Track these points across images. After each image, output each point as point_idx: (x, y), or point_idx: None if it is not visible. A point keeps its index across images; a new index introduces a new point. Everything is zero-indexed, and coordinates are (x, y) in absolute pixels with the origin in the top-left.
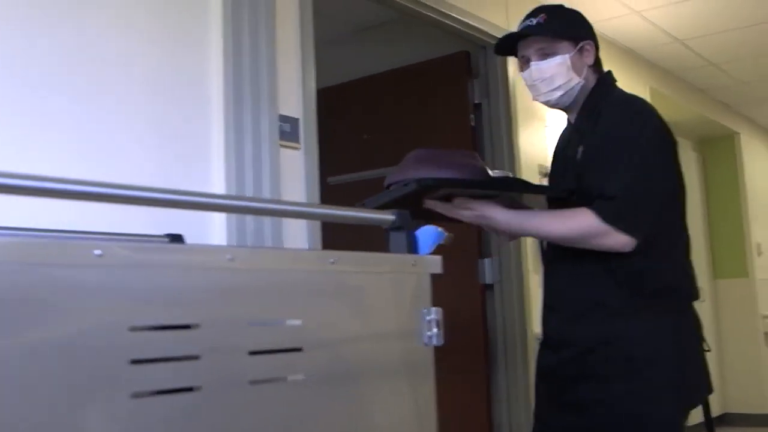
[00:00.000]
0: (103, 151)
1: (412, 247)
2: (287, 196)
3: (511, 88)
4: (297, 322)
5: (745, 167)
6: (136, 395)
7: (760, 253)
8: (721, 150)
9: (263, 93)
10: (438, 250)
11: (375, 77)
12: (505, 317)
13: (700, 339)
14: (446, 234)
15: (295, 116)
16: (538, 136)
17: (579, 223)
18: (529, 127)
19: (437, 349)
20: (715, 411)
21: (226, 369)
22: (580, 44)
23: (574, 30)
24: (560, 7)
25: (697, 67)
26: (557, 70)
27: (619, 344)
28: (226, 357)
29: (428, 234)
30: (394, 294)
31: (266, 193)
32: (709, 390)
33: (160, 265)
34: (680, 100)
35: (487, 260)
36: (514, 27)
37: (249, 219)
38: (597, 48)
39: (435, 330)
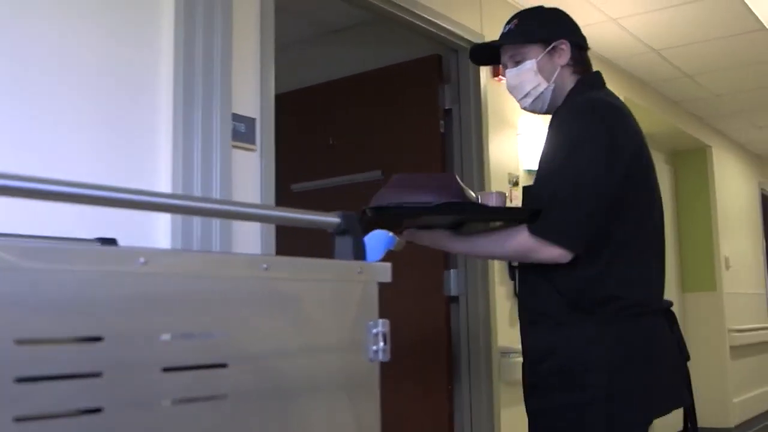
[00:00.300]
0: (43, 152)
1: (360, 253)
2: (240, 200)
3: (482, 93)
4: (222, 334)
5: (716, 180)
6: (21, 419)
7: (728, 267)
8: (692, 163)
9: (215, 90)
10: (402, 261)
11: (343, 80)
12: (470, 330)
13: (656, 348)
14: (397, 239)
15: (252, 116)
16: (509, 143)
17: (514, 241)
18: (499, 134)
19: (398, 363)
20: (679, 425)
21: (134, 388)
22: (552, 45)
23: (544, 31)
24: (535, 9)
25: (671, 78)
26: (525, 76)
27: (562, 354)
28: (134, 374)
29: (378, 239)
30: (336, 304)
31: (216, 196)
32: (678, 401)
33: (52, 270)
34: (655, 111)
35: (452, 271)
36: (487, 30)
37: (197, 222)
38: (579, 46)
39: (381, 344)
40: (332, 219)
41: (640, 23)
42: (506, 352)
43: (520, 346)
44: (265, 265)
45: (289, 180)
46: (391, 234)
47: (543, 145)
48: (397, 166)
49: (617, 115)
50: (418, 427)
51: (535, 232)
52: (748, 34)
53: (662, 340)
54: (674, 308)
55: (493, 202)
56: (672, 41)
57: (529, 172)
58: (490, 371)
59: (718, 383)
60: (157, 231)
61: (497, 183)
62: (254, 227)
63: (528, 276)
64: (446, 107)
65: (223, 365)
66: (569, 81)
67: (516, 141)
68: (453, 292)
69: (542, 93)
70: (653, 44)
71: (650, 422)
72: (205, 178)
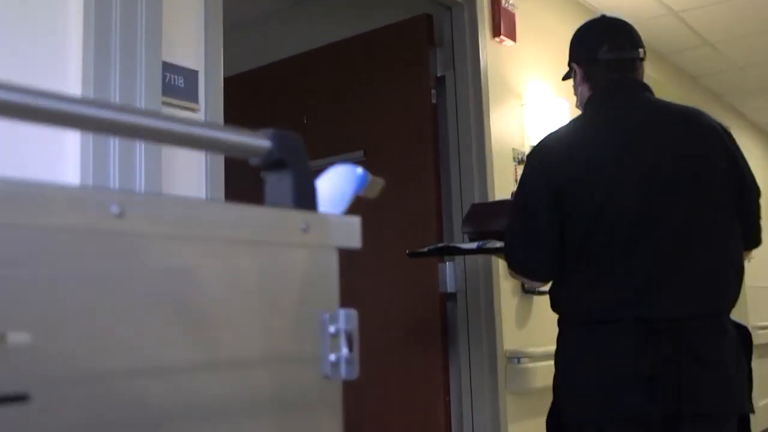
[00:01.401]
0: None
1: (306, 199)
2: (178, 174)
3: (481, 57)
4: (21, 338)
5: None
6: None
7: (749, 259)
8: None
9: (138, 33)
10: (386, 251)
11: (317, 51)
12: (470, 332)
13: (618, 355)
14: (372, 177)
15: (193, 68)
16: (513, 115)
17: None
18: (502, 104)
19: (384, 373)
20: None
21: None
22: (572, 69)
23: (570, 57)
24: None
25: (690, 47)
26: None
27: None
28: None
29: (341, 178)
30: (262, 285)
31: (139, 184)
32: (646, 408)
33: None
34: (668, 87)
35: (448, 265)
36: None
37: (112, 153)
38: (593, 60)
39: (344, 351)
40: (257, 142)
41: None
42: (514, 357)
43: (530, 350)
44: (116, 208)
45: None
46: (361, 168)
47: None
48: (382, 145)
49: (542, 155)
50: None
51: (508, 263)
52: None
53: (621, 346)
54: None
55: None
56: (693, 1)
57: None
58: (494, 380)
59: None
60: (65, 162)
61: (500, 161)
62: (195, 157)
63: None
64: (438, 74)
65: (22, 398)
66: (587, 96)
67: (521, 112)
68: (449, 289)
69: (579, 107)
70: (673, 4)
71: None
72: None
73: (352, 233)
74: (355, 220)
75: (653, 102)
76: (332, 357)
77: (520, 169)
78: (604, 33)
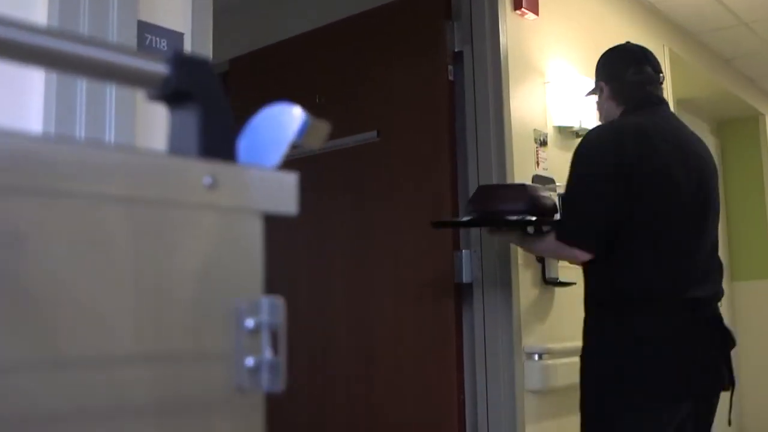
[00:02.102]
0: None
1: (216, 144)
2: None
3: (501, 32)
4: None
5: None
6: None
7: None
8: (742, 134)
9: None
10: (394, 235)
11: (330, 27)
12: (486, 326)
13: (662, 340)
14: (314, 120)
15: (177, 30)
16: (536, 93)
17: (548, 244)
18: (523, 82)
19: (390, 368)
20: None
21: None
22: (600, 87)
23: (598, 77)
24: (601, 57)
25: (724, 27)
26: (596, 109)
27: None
28: None
29: (274, 121)
30: (135, 259)
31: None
32: (683, 392)
33: None
34: (700, 69)
35: (464, 252)
36: None
37: (80, 96)
38: (621, 80)
39: (267, 354)
40: (149, 66)
41: None
42: (533, 353)
43: (551, 345)
44: None
45: None
46: (300, 109)
47: None
48: (397, 124)
49: (617, 136)
50: None
51: (558, 237)
52: None
53: (661, 330)
54: (723, 300)
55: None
56: None
57: (560, 129)
58: (512, 378)
59: None
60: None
61: (520, 142)
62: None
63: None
64: (456, 50)
65: None
66: (616, 112)
67: (544, 91)
68: (465, 279)
69: (602, 121)
70: None
71: (645, 405)
72: (93, 116)
73: (284, 194)
74: (289, 177)
75: (678, 119)
76: (249, 361)
77: (542, 151)
78: (630, 58)
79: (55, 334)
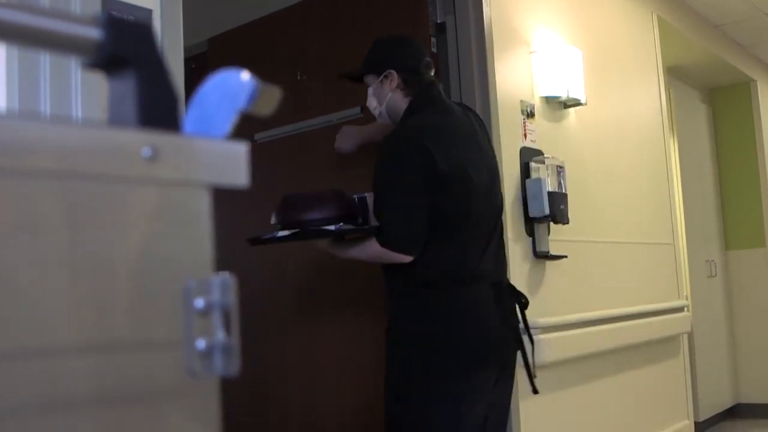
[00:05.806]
0: None
1: (157, 113)
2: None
3: (484, 2)
4: None
5: (762, 121)
6: None
7: None
8: (733, 101)
9: None
10: None
11: (309, 3)
12: None
13: (463, 314)
14: (264, 85)
15: (146, 6)
16: (521, 64)
17: (370, 251)
18: (508, 52)
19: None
20: (726, 402)
21: None
22: (383, 74)
23: (375, 63)
24: (379, 41)
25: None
26: (368, 99)
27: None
28: None
29: (222, 88)
30: (69, 237)
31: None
32: (483, 358)
33: None
34: (690, 36)
35: None
36: None
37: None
38: (411, 70)
39: (219, 335)
40: (80, 30)
41: None
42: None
43: (542, 320)
44: None
45: (252, 129)
46: (248, 74)
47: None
48: None
49: (418, 137)
50: None
51: (383, 243)
52: None
53: (465, 307)
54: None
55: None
56: None
57: (547, 99)
58: None
59: None
60: None
61: (507, 113)
62: None
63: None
64: (438, 21)
65: None
66: (403, 103)
67: (529, 61)
68: None
69: (380, 113)
70: None
71: (464, 372)
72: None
73: (233, 165)
74: (238, 147)
75: (463, 114)
76: (201, 344)
77: (529, 123)
78: (420, 51)
79: None
